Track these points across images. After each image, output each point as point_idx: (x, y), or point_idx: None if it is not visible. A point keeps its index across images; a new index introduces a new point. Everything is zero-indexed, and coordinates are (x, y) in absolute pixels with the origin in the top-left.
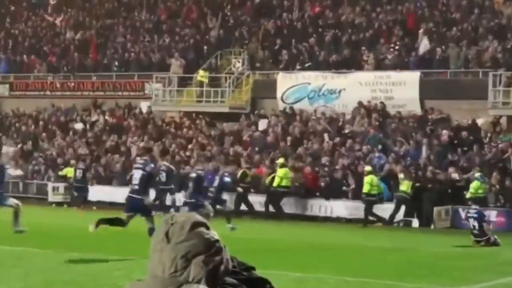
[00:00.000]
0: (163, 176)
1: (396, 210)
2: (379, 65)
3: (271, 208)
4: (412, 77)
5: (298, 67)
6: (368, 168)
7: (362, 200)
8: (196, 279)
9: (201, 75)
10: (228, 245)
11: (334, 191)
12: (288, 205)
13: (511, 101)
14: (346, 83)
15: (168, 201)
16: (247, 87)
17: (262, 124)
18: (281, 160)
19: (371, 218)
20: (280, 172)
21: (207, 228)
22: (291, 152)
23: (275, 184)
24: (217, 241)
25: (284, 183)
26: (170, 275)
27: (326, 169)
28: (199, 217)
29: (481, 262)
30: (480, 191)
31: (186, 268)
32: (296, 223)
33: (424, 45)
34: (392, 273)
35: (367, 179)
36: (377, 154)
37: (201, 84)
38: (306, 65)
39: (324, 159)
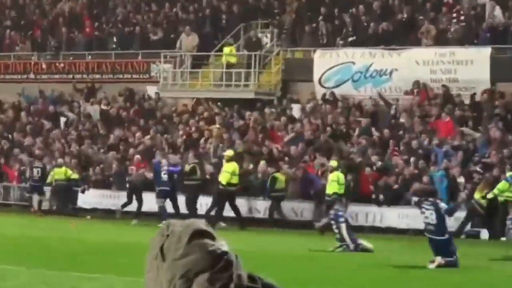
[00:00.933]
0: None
1: (467, 220)
2: (441, 40)
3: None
4: (481, 54)
5: (340, 42)
6: (334, 163)
7: (326, 202)
8: None
9: (227, 52)
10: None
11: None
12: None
13: None
14: (399, 62)
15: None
16: (277, 68)
17: (295, 113)
18: (229, 153)
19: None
20: (228, 167)
21: (212, 237)
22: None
23: (224, 181)
24: (224, 253)
25: (234, 180)
26: None
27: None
28: (200, 224)
29: None
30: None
31: None
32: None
33: (496, 15)
34: None
35: (332, 176)
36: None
37: (228, 65)
38: (350, 39)
39: (374, 158)
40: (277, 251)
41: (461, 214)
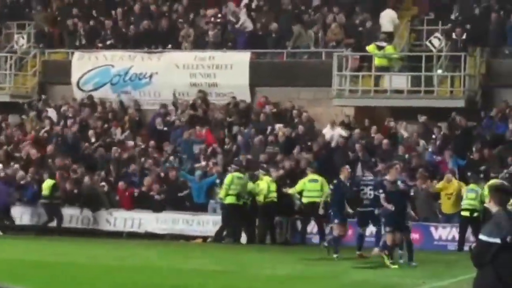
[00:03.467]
0: None
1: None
2: (200, 44)
3: None
4: (240, 59)
5: (99, 45)
6: None
7: None
8: None
9: None
10: None
11: None
12: None
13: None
14: (159, 65)
15: None
16: (34, 70)
17: (52, 116)
18: None
19: None
20: None
21: None
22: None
23: None
24: None
25: None
26: None
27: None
28: None
29: None
30: None
31: None
32: None
33: (244, 20)
34: None
35: None
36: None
37: None
38: (109, 42)
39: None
40: None
41: None
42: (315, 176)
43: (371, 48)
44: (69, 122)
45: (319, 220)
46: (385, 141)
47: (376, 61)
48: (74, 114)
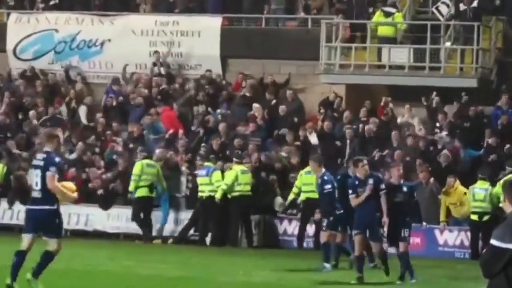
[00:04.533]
0: None
1: None
2: (163, 7)
3: None
4: (210, 25)
5: (41, 5)
6: None
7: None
8: None
9: None
10: None
11: None
12: None
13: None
14: (112, 31)
15: None
16: None
17: None
18: None
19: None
20: None
21: None
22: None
23: None
24: None
25: None
26: None
27: None
28: None
29: None
30: None
31: None
32: None
33: None
34: None
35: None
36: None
37: None
38: (52, 2)
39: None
40: None
41: None
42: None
43: (377, 15)
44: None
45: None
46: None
47: (380, 30)
48: (7, 88)
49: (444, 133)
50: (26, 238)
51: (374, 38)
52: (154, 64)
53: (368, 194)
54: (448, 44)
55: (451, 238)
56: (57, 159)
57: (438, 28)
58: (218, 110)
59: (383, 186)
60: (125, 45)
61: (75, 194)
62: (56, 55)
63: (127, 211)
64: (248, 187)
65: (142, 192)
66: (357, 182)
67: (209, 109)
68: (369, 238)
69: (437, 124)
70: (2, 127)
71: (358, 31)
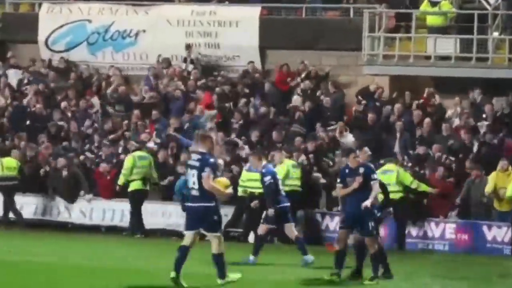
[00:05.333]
0: None
1: None
2: None
3: None
4: (249, 15)
5: None
6: None
7: None
8: None
9: None
10: None
11: None
12: None
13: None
14: (147, 21)
15: None
16: None
17: (13, 81)
18: None
19: None
20: None
21: None
22: None
23: None
24: None
25: None
26: None
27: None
28: None
29: None
30: None
31: None
32: None
33: None
34: None
35: None
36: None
37: None
38: None
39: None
40: None
41: None
42: None
43: (424, 4)
44: (32, 89)
45: None
46: (426, 119)
47: (429, 20)
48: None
49: (486, 123)
50: (188, 235)
51: (419, 28)
52: (185, 60)
53: (356, 187)
54: (496, 34)
55: (500, 234)
56: (211, 160)
57: (485, 18)
58: (257, 102)
59: (375, 176)
60: (161, 36)
61: (229, 190)
62: (89, 46)
63: (164, 207)
64: (299, 182)
65: (135, 186)
66: (347, 171)
67: (251, 99)
68: (360, 234)
69: (483, 116)
70: (36, 118)
71: (403, 21)
